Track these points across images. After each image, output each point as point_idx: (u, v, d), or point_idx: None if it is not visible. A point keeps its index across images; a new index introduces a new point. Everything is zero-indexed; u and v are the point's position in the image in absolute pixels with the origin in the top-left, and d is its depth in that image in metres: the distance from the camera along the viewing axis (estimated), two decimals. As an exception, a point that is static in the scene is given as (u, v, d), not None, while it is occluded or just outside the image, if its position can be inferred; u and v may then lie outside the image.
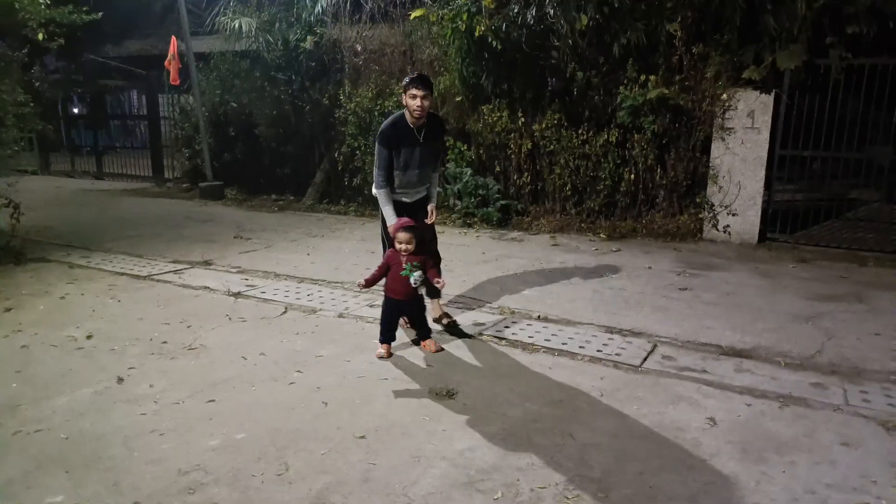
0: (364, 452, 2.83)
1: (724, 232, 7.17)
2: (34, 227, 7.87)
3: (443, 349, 4.06)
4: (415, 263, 3.90)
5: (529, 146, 8.06)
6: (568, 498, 2.48)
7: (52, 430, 3.02)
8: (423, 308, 4.13)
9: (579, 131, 7.72)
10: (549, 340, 4.24)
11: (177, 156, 12.70)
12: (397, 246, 3.90)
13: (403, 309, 4.08)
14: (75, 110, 19.27)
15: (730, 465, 2.73)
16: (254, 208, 10.24)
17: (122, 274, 5.92)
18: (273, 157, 10.95)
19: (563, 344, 4.16)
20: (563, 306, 4.97)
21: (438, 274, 4.10)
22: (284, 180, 10.94)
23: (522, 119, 8.03)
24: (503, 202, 8.24)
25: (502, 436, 2.98)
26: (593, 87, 7.70)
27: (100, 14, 9.53)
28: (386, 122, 4.22)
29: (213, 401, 3.33)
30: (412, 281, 3.86)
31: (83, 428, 3.04)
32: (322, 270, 6.14)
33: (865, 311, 4.85)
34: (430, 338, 4.13)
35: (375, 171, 4.24)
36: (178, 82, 11.20)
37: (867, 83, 6.48)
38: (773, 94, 6.75)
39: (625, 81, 7.34)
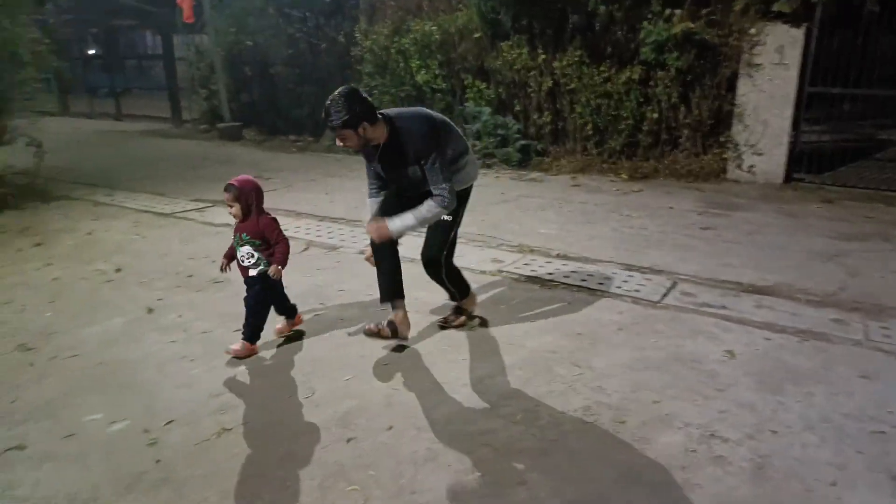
0: (387, 379, 2.91)
1: (749, 172, 7.05)
2: (56, 167, 7.93)
3: (246, 356, 3.12)
4: (244, 236, 3.09)
5: (550, 84, 7.89)
6: (586, 422, 2.55)
7: (87, 356, 3.13)
8: (256, 300, 3.13)
9: (601, 68, 7.52)
10: (567, 277, 4.26)
11: (193, 97, 12.62)
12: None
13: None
14: (91, 51, 19.14)
15: (746, 394, 2.77)
16: (272, 149, 10.22)
17: (146, 211, 6.00)
18: (290, 97, 10.85)
19: (583, 280, 4.18)
20: (582, 244, 4.97)
21: (282, 261, 3.13)
22: (302, 121, 10.86)
23: (543, 56, 7.83)
24: (523, 142, 8.14)
25: (521, 365, 3.04)
26: (616, 22, 7.45)
27: None
28: None
29: (239, 331, 3.41)
30: (239, 257, 3.13)
31: (116, 354, 3.15)
32: (341, 209, 6.17)
33: (891, 250, 4.79)
34: (243, 340, 3.13)
35: None
36: (192, 20, 11.02)
37: (904, 16, 6.20)
38: (803, 28, 6.49)
39: (649, 16, 7.09)
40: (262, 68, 10.89)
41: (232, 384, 2.87)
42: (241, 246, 3.11)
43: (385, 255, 3.29)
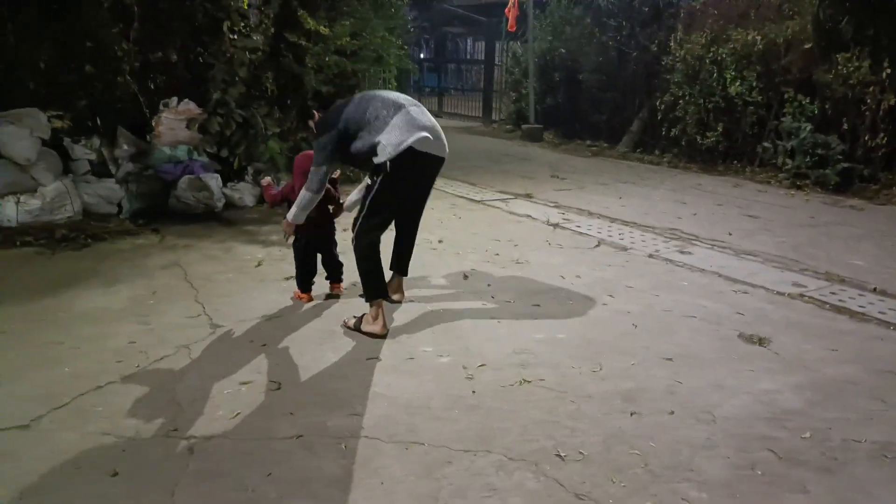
0: (669, 371, 3.10)
1: None
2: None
3: (299, 300, 3.89)
4: None
5: (893, 102, 6.99)
6: (887, 457, 2.44)
7: (421, 302, 3.89)
8: (294, 254, 3.88)
9: (966, 87, 6.44)
10: (884, 314, 3.90)
11: (504, 99, 13.82)
12: None
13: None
14: (421, 55, 22.02)
15: None
16: (568, 152, 10.77)
17: (461, 197, 6.94)
18: (592, 103, 11.27)
19: (903, 320, 3.80)
20: (907, 283, 4.45)
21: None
22: (600, 126, 11.21)
23: (888, 70, 6.96)
24: (846, 165, 7.36)
25: (812, 388, 2.97)
26: None
27: None
28: None
29: (538, 305, 3.90)
30: None
31: (442, 305, 3.86)
32: (632, 214, 6.36)
33: None
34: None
35: None
36: (514, 29, 12.09)
37: None
38: None
39: None
40: (571, 74, 11.48)
41: (530, 346, 3.33)
42: None
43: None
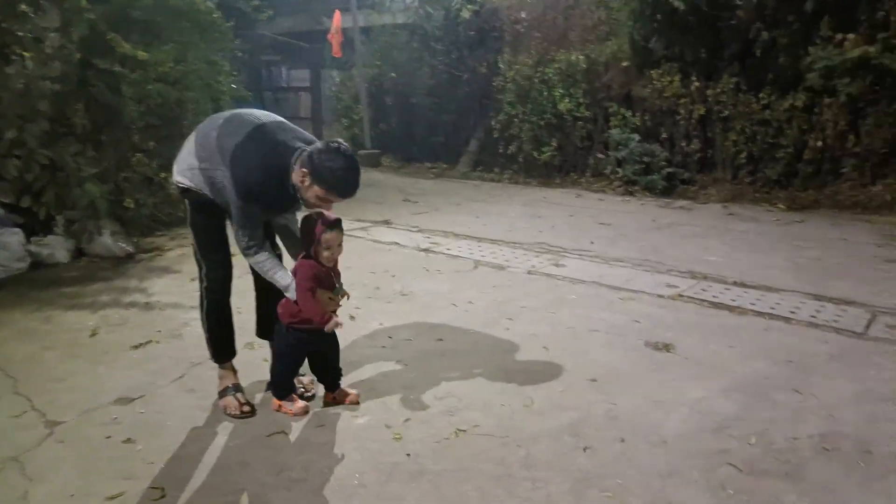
0: (599, 394, 2.95)
1: (929, 204, 6.55)
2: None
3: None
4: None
5: (702, 112, 7.74)
6: (827, 449, 2.46)
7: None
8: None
9: (759, 96, 7.31)
10: (754, 304, 4.13)
11: (335, 125, 13.41)
12: (325, 254, 2.73)
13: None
14: (233, 86, 20.89)
15: None
16: (410, 174, 10.64)
17: (316, 229, 6.42)
18: (427, 125, 11.28)
19: (772, 308, 4.04)
20: (757, 273, 4.81)
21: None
22: (437, 148, 11.24)
23: (696, 84, 7.71)
24: (669, 170, 8.01)
25: (736, 389, 2.98)
26: (779, 48, 7.23)
27: None
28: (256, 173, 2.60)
29: (441, 340, 3.58)
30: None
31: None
32: (496, 231, 6.31)
33: None
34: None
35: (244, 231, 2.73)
36: (340, 55, 11.78)
37: None
38: None
39: (817, 41, 6.84)
40: (403, 98, 11.40)
41: (449, 388, 3.00)
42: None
43: None
